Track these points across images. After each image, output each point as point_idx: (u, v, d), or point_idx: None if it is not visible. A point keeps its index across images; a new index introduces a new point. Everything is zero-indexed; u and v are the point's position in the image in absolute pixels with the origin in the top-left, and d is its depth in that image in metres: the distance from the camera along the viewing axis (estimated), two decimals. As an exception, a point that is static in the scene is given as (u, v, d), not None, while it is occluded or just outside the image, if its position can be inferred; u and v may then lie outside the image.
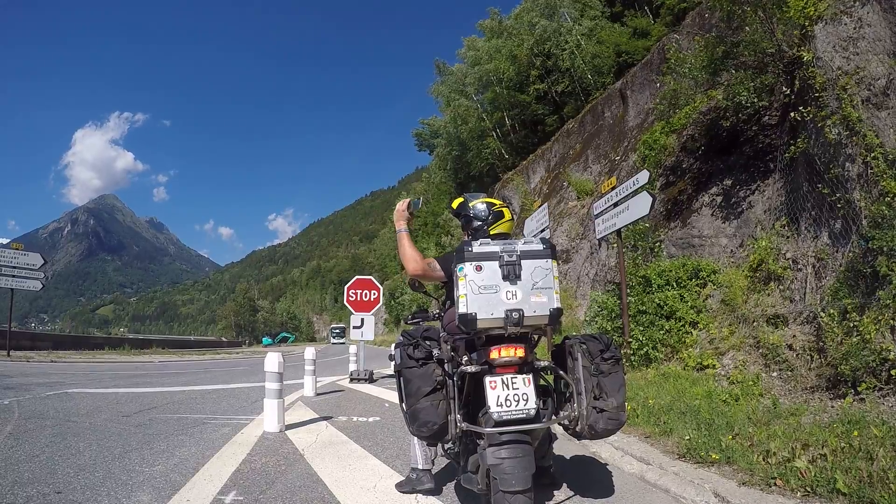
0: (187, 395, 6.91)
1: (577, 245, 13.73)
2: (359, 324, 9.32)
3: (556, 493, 2.81)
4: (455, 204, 2.77)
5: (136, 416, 5.04)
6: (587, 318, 8.75)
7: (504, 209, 2.70)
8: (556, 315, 2.07)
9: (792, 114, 5.58)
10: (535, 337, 2.31)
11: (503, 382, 2.07)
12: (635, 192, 6.39)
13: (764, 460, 2.92)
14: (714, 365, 5.50)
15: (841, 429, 3.18)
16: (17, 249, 14.58)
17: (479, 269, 2.05)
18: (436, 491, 2.78)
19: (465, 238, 2.65)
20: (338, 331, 59.30)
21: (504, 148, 28.99)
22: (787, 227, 5.98)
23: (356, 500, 2.73)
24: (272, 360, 4.57)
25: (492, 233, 2.61)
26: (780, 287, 5.65)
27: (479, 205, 2.67)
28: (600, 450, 3.77)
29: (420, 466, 2.76)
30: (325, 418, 5.30)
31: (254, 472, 3.23)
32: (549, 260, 2.12)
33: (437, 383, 2.10)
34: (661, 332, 6.37)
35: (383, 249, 67.58)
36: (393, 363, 2.25)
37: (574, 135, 19.99)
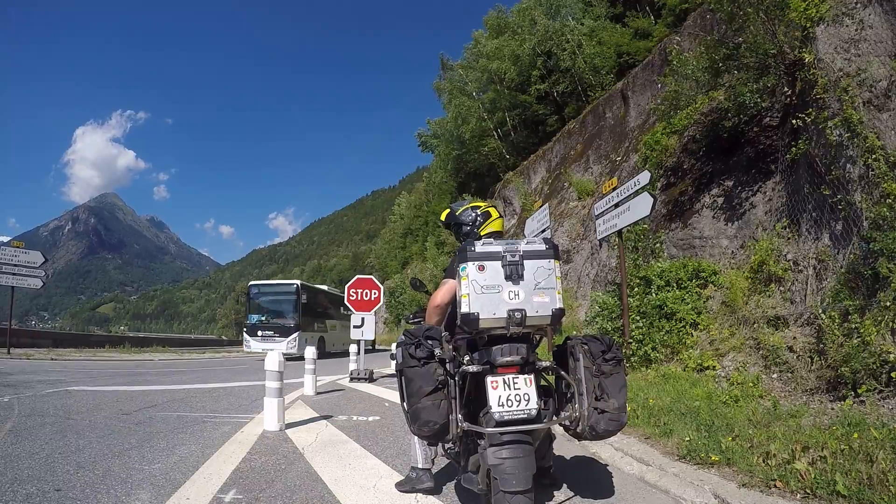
0: (187, 394, 6.91)
1: (578, 245, 13.72)
2: (359, 323, 9.34)
3: (556, 493, 2.81)
4: (443, 216, 2.90)
5: (135, 414, 5.04)
6: (587, 319, 8.75)
7: (490, 209, 2.76)
8: (558, 315, 2.08)
9: (794, 116, 5.58)
10: (537, 337, 2.31)
11: (505, 382, 2.07)
12: (636, 193, 6.40)
13: (764, 462, 2.92)
14: (714, 366, 5.50)
15: (841, 431, 3.18)
16: (17, 247, 14.59)
17: (481, 268, 2.05)
18: (436, 490, 2.78)
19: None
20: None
21: (505, 148, 28.95)
22: (787, 229, 5.97)
23: (356, 499, 2.73)
24: (272, 358, 4.57)
25: (483, 233, 2.67)
26: (781, 288, 5.65)
27: (466, 211, 2.76)
28: (600, 450, 3.78)
29: (420, 466, 2.76)
30: (325, 417, 5.30)
31: (253, 470, 3.23)
32: (552, 260, 2.12)
33: (438, 383, 2.10)
34: (662, 332, 6.36)
35: (384, 249, 67.33)
36: (394, 362, 2.26)
37: (575, 135, 19.97)
